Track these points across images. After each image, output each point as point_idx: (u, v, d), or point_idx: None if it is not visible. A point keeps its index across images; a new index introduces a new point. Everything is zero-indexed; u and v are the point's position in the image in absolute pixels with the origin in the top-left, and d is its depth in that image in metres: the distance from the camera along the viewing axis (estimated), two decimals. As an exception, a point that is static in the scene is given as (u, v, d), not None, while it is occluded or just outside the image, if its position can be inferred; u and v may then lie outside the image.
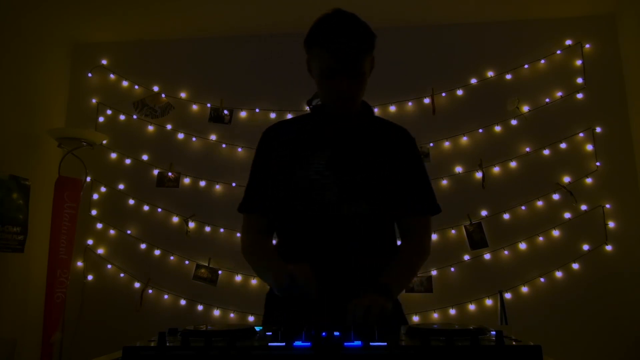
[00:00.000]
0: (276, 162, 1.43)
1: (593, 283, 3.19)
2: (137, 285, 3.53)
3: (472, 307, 3.26)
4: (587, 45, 3.49)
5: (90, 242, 3.63)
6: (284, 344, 0.86)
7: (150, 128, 3.76)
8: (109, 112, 3.83)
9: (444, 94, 3.56)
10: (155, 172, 3.68)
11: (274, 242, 1.52)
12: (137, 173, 3.70)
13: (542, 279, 3.24)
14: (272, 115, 3.65)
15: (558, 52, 3.51)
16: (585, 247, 3.25)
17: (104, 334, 3.40)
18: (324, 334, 0.85)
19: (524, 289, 3.24)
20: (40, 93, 3.64)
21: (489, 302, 3.25)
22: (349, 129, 1.44)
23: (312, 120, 1.48)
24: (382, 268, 1.34)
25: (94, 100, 3.86)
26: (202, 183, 3.61)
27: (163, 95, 3.80)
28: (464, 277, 3.31)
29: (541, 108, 3.44)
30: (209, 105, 3.73)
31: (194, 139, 3.70)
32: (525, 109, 3.46)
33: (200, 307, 3.44)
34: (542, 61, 3.50)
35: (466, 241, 3.35)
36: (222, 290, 3.45)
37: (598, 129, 3.38)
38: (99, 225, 3.66)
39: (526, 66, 3.51)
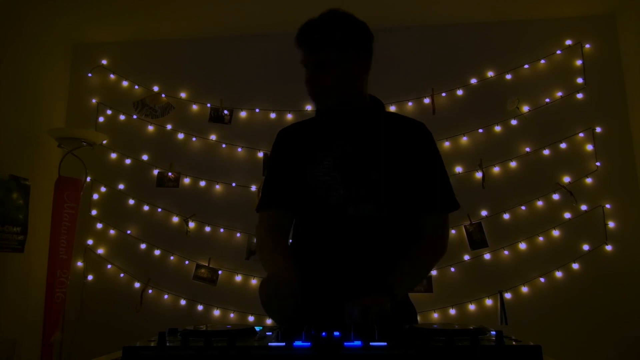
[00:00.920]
0: (290, 162, 1.43)
1: (593, 283, 3.20)
2: (137, 285, 3.53)
3: (472, 307, 3.26)
4: (587, 45, 3.49)
5: (90, 242, 3.63)
6: (284, 344, 0.86)
7: (150, 128, 3.76)
8: (109, 112, 3.83)
9: (444, 94, 3.56)
10: (155, 172, 3.68)
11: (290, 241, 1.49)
12: (137, 173, 3.70)
13: (542, 279, 3.24)
14: (272, 115, 3.65)
15: (558, 52, 3.51)
16: (585, 247, 3.25)
17: (104, 334, 3.40)
18: (324, 334, 0.85)
19: (524, 289, 3.25)
20: (41, 93, 3.64)
21: (489, 302, 3.26)
22: (356, 126, 1.42)
23: (320, 120, 1.49)
24: (393, 268, 1.31)
25: (94, 100, 3.86)
26: (202, 183, 3.61)
27: (163, 95, 3.80)
28: (464, 277, 3.31)
29: (541, 108, 3.44)
30: (209, 105, 3.73)
31: (194, 139, 3.70)
32: (525, 109, 3.46)
33: (200, 307, 3.44)
34: (542, 61, 3.50)
35: (466, 241, 3.35)
36: (222, 290, 3.45)
37: (598, 129, 3.38)
38: (99, 225, 3.66)
39: (526, 66, 3.51)
